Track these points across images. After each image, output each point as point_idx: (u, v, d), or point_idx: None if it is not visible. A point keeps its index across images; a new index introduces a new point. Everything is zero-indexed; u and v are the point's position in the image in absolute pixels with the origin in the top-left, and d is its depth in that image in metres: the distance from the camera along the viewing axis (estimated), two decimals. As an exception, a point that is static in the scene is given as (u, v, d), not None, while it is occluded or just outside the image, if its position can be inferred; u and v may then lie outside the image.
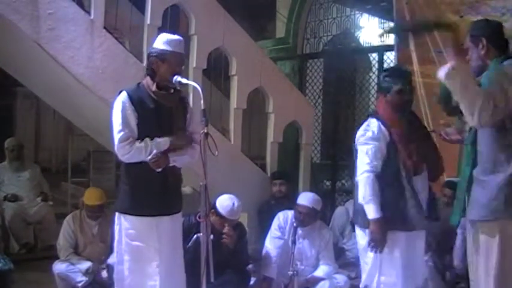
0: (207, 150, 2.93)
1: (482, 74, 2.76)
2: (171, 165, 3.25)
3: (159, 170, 3.18)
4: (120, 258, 3.30)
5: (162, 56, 3.21)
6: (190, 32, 5.47)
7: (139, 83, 3.31)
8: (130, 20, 5.58)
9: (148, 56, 3.30)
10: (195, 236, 3.80)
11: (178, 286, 3.35)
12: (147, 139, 3.19)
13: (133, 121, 3.19)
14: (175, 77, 3.20)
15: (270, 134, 6.17)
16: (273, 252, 4.60)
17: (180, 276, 3.37)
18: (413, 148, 3.35)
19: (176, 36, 3.31)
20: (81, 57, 4.72)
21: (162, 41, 3.25)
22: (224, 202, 4.21)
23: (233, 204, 4.21)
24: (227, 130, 5.90)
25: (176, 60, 3.23)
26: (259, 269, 4.66)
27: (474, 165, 2.75)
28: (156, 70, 3.23)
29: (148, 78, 3.28)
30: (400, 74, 3.50)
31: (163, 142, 3.21)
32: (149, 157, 3.15)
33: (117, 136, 3.17)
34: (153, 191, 3.23)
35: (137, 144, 3.17)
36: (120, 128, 3.17)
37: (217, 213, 4.16)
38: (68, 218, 4.89)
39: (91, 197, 4.74)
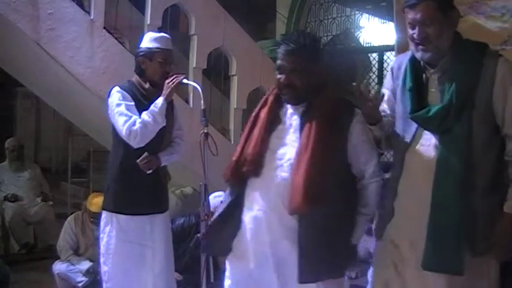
0: (207, 150, 2.93)
1: (438, 63, 2.21)
2: (162, 165, 3.25)
3: (150, 171, 3.14)
4: (109, 258, 3.22)
5: (149, 54, 3.19)
6: (190, 32, 5.47)
7: (129, 80, 3.28)
8: (130, 20, 5.58)
9: (136, 55, 3.26)
10: (196, 236, 3.80)
11: (169, 283, 3.33)
12: (144, 112, 3.11)
13: (135, 108, 3.14)
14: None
15: (270, 134, 6.15)
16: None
17: (171, 273, 3.37)
18: (247, 145, 2.36)
19: (161, 34, 3.30)
20: (81, 57, 4.72)
21: (149, 40, 3.24)
22: (213, 197, 4.22)
23: (214, 197, 4.17)
24: (227, 130, 5.90)
25: (164, 58, 3.19)
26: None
27: (464, 185, 2.13)
28: (145, 69, 3.21)
29: (137, 77, 3.25)
30: (280, 44, 2.34)
31: (160, 103, 3.14)
32: (139, 159, 3.12)
33: (124, 127, 3.07)
34: (147, 189, 3.21)
35: (138, 121, 3.08)
36: (126, 118, 3.08)
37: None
38: (70, 219, 4.89)
39: (94, 203, 4.71)
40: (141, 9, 5.39)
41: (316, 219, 2.20)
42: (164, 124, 3.17)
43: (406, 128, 2.28)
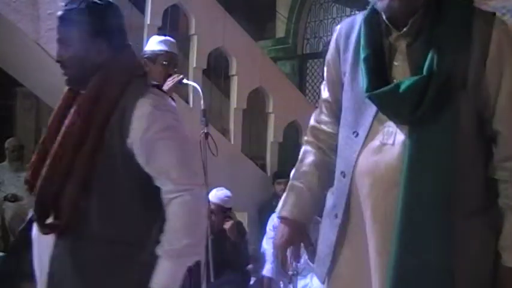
0: (207, 151, 2.93)
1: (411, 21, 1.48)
2: None
3: None
4: None
5: (153, 56, 3.19)
6: (190, 32, 5.47)
7: None
8: (130, 20, 5.57)
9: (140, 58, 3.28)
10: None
11: None
12: None
13: None
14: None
15: (270, 134, 6.16)
16: (270, 252, 4.60)
17: None
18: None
19: (164, 37, 3.33)
20: (81, 57, 4.71)
21: (153, 42, 3.26)
22: (216, 191, 4.30)
23: (217, 190, 4.27)
24: (227, 130, 5.90)
25: (168, 60, 3.20)
26: (259, 269, 4.67)
27: (447, 203, 1.44)
28: (149, 72, 3.22)
29: None
30: None
31: None
32: None
33: None
34: None
35: None
36: None
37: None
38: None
39: None
40: (141, 9, 5.39)
41: (69, 242, 1.62)
42: None
43: (358, 120, 1.55)
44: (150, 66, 3.21)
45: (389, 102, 1.48)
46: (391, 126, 1.50)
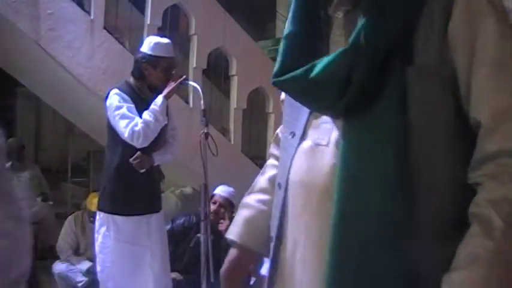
0: (207, 150, 2.94)
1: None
2: (155, 164, 3.26)
3: (143, 170, 3.15)
4: (107, 259, 3.22)
5: (154, 62, 3.20)
6: (190, 32, 5.47)
7: (126, 82, 3.28)
8: (130, 20, 5.59)
9: (139, 60, 3.25)
10: (196, 236, 3.81)
11: (166, 282, 3.36)
12: (145, 112, 3.11)
13: (135, 110, 3.15)
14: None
15: (270, 134, 6.16)
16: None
17: (168, 272, 3.40)
18: None
19: (165, 40, 3.30)
20: (81, 57, 4.72)
21: (153, 46, 3.23)
22: (222, 187, 4.33)
23: (223, 186, 4.29)
24: (227, 130, 5.90)
25: (169, 65, 3.23)
26: (258, 269, 4.68)
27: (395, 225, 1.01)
28: (148, 76, 3.23)
29: (135, 80, 3.26)
30: None
31: (160, 102, 3.14)
32: (132, 158, 3.13)
33: (126, 129, 3.07)
34: (142, 189, 3.24)
35: (140, 121, 3.09)
36: (128, 120, 3.08)
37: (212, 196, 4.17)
38: (70, 219, 4.89)
39: (94, 203, 4.69)
40: (141, 9, 5.39)
41: None
42: (166, 122, 3.19)
43: (296, 117, 1.21)
44: (150, 70, 3.21)
45: (301, 90, 1.10)
46: (328, 122, 1.12)
